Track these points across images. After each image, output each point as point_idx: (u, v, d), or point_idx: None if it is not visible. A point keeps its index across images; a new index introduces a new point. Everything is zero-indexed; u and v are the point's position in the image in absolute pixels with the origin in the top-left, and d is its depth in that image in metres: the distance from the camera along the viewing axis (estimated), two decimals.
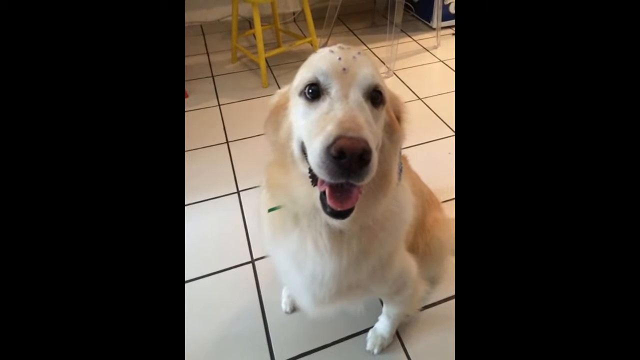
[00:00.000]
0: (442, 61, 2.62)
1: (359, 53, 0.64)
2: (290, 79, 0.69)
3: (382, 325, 1.13)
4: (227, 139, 2.02)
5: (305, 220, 0.71)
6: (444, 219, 1.18)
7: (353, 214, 0.60)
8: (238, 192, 1.71)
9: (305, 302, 0.85)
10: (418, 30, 3.01)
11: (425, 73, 2.51)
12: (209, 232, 1.54)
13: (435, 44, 2.79)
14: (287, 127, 0.66)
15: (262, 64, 2.37)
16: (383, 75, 1.89)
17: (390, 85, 0.84)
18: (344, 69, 0.60)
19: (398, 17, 2.47)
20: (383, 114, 0.64)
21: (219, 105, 2.29)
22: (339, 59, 0.61)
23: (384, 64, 2.55)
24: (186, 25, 3.01)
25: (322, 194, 0.59)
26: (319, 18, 2.89)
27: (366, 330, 1.18)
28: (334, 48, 0.64)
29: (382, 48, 2.75)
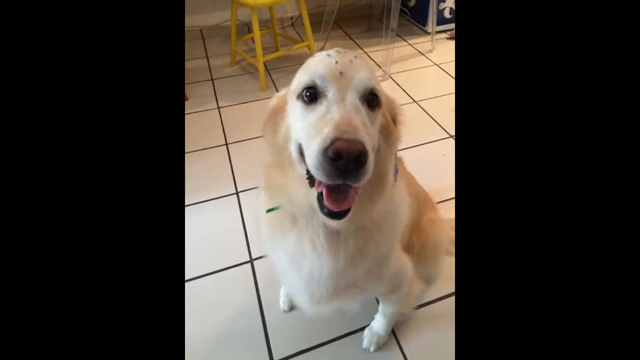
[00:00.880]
0: (437, 65, 2.63)
1: (355, 57, 0.64)
2: (288, 82, 0.70)
3: (378, 324, 1.14)
4: (226, 141, 2.03)
5: (303, 220, 0.71)
6: (439, 220, 1.19)
7: (350, 215, 0.60)
8: (237, 193, 1.72)
9: (302, 301, 0.85)
10: (413, 34, 3.03)
11: (420, 76, 2.53)
12: (209, 232, 1.55)
13: (430, 48, 2.81)
14: (285, 129, 0.66)
15: (261, 67, 2.38)
16: (379, 78, 1.91)
17: (386, 89, 0.85)
18: (341, 73, 0.60)
19: (394, 22, 2.48)
20: (379, 117, 0.64)
21: (219, 108, 2.30)
22: (336, 62, 0.61)
23: (380, 67, 2.55)
24: (186, 29, 3.02)
25: (320, 195, 0.59)
26: (317, 22, 2.90)
27: (362, 329, 1.19)
28: (331, 52, 0.64)
29: (378, 52, 2.76)
